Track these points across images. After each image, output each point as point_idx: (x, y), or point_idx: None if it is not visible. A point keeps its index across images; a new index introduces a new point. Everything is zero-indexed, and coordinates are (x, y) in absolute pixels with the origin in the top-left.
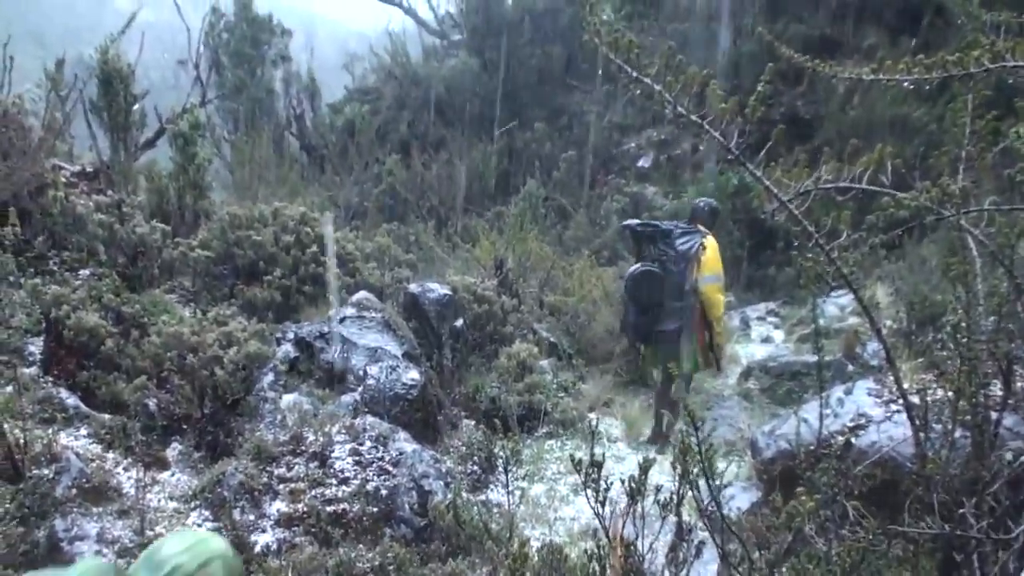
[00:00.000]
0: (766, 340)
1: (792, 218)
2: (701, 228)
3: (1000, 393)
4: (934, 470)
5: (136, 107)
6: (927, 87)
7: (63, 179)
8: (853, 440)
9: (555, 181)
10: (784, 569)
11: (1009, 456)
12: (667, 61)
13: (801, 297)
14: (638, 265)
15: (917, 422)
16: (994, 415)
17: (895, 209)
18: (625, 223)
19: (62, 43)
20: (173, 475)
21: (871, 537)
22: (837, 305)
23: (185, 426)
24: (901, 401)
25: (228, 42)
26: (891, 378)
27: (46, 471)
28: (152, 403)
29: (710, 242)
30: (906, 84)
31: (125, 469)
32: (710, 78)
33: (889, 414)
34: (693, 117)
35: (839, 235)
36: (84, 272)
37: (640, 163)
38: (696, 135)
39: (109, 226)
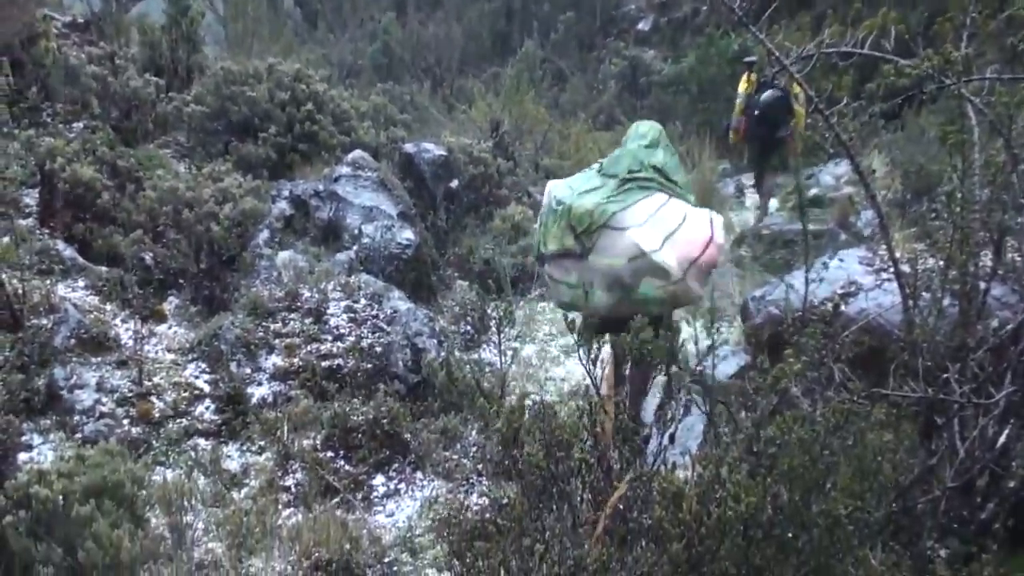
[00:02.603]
0: (761, 209)
1: (793, 82)
2: None
3: (990, 263)
4: (921, 336)
5: None
6: None
7: (54, 30)
8: (842, 307)
9: (553, 43)
10: (769, 428)
11: (995, 324)
12: None
13: (796, 165)
14: (770, 92)
15: (907, 290)
16: (983, 285)
17: (896, 77)
18: (748, 58)
19: None
20: (170, 328)
21: (856, 400)
22: (832, 175)
23: (182, 280)
24: (892, 269)
25: None
26: (883, 247)
27: (45, 321)
28: (148, 257)
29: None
30: None
31: (123, 321)
32: None
33: (880, 282)
34: None
35: (839, 102)
36: (78, 125)
37: (640, 26)
38: None
39: (102, 79)
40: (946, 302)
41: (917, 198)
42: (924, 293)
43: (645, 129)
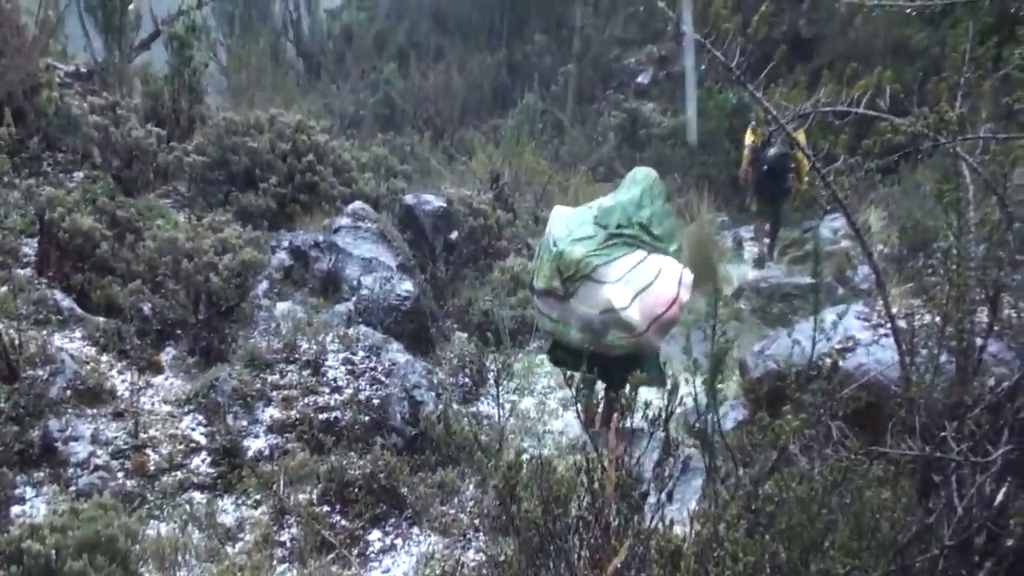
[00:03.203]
0: (758, 261)
1: (790, 140)
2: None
3: (986, 320)
4: (918, 393)
5: (131, 7)
6: (929, 11)
7: (57, 79)
8: (840, 362)
9: (553, 95)
10: (767, 486)
11: (991, 381)
12: None
13: (794, 219)
14: (777, 148)
15: (904, 346)
16: (979, 341)
17: (892, 135)
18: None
19: None
20: (167, 379)
21: (853, 457)
22: (830, 228)
23: (179, 331)
24: (889, 325)
25: None
26: (880, 302)
27: (40, 372)
28: (147, 307)
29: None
30: (908, 10)
31: (119, 372)
32: None
33: (877, 338)
34: (696, 36)
35: (836, 159)
36: (78, 174)
37: (639, 79)
38: (697, 52)
39: (104, 128)
40: (943, 358)
41: (913, 253)
42: (921, 349)
43: (641, 176)
